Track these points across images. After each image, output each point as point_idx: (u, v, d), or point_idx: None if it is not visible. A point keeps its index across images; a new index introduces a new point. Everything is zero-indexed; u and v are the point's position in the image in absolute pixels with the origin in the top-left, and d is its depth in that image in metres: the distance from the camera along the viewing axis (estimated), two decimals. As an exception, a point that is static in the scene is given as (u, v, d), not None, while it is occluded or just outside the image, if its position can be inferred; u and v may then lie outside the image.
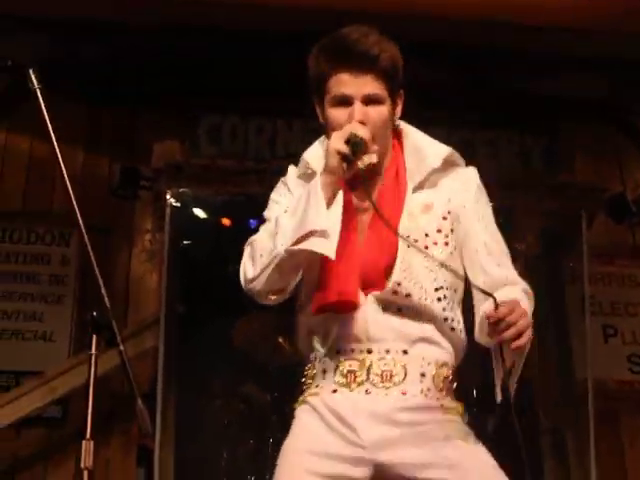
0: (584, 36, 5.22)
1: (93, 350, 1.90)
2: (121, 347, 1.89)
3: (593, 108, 6.03)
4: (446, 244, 2.36)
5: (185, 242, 5.93)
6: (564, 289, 5.99)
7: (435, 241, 2.34)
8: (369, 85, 2.30)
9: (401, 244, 2.30)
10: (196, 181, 5.51)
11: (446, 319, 2.32)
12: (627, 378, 5.86)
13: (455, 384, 2.35)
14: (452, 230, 2.38)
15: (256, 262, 2.33)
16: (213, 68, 5.52)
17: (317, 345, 2.37)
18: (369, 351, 2.29)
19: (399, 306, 2.30)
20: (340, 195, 2.26)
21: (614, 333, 5.98)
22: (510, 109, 5.91)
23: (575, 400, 5.70)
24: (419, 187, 2.41)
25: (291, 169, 2.55)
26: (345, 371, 2.30)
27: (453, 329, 2.33)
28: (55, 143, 2.14)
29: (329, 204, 2.24)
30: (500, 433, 4.70)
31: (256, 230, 2.49)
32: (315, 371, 2.37)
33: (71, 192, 2.11)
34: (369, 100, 2.31)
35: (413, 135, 2.49)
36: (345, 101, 2.32)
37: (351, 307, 2.28)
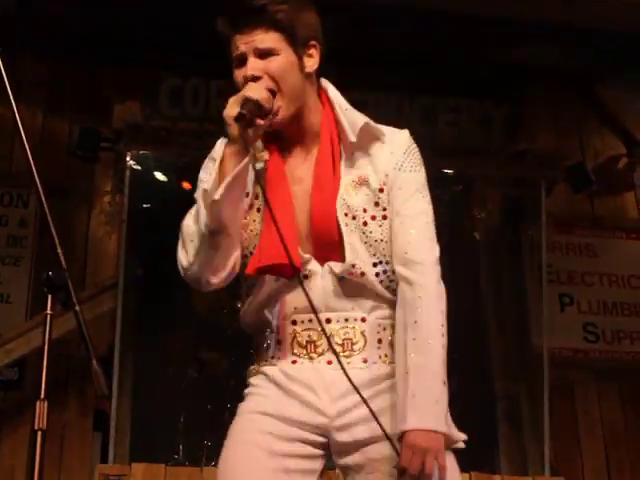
0: (549, 4, 5.23)
1: (48, 309, 1.89)
2: (77, 307, 1.87)
3: (555, 77, 6.06)
4: (384, 217, 2.30)
5: (145, 205, 5.88)
6: (522, 257, 6.03)
7: (373, 215, 2.29)
8: (258, 39, 2.25)
9: (342, 222, 2.26)
10: (156, 143, 5.47)
11: (388, 288, 2.29)
12: (582, 347, 5.94)
13: None
14: (389, 201, 2.31)
15: (188, 248, 2.27)
16: (176, 29, 5.46)
17: (270, 316, 2.31)
18: (328, 320, 2.26)
19: (354, 280, 2.27)
20: (239, 166, 2.16)
21: (570, 302, 6.04)
22: (472, 76, 5.91)
23: (530, 368, 5.76)
24: (351, 158, 2.34)
25: (220, 142, 2.38)
26: (304, 342, 2.27)
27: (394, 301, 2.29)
28: (13, 102, 2.09)
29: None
30: (456, 399, 4.73)
31: None
32: (269, 342, 2.32)
33: (29, 153, 2.07)
34: (262, 54, 2.25)
35: (336, 99, 2.39)
36: (242, 60, 2.27)
37: (286, 272, 2.22)
